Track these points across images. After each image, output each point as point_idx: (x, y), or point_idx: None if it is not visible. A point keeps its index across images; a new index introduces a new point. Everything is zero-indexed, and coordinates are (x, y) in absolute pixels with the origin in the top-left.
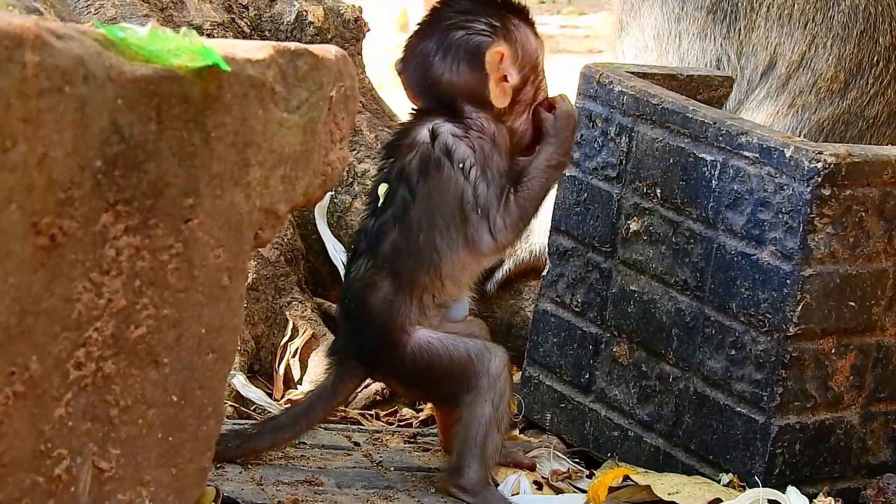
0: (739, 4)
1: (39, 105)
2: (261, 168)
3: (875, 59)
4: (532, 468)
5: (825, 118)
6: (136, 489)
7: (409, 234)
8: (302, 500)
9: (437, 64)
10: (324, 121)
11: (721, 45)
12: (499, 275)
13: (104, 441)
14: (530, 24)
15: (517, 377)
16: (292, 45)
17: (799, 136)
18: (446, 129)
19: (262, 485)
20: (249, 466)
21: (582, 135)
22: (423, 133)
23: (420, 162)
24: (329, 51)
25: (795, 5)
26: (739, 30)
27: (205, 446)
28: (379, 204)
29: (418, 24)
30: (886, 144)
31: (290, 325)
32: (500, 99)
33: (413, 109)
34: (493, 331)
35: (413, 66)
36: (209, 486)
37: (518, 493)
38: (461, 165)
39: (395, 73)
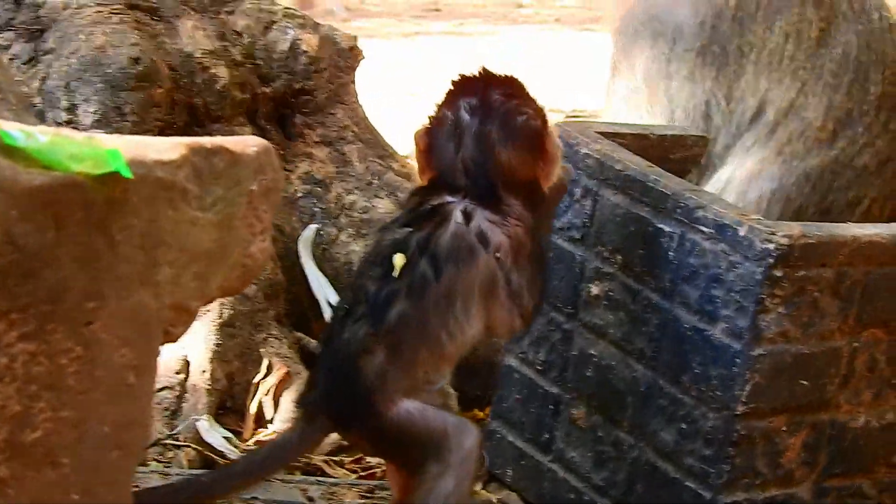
0: (728, 48)
1: None
2: (171, 267)
3: (865, 108)
4: None
5: (813, 167)
6: None
7: (422, 312)
8: None
9: (497, 144)
10: (242, 215)
11: (710, 88)
12: None
13: None
14: None
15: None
16: (209, 141)
17: (786, 185)
18: (481, 213)
19: None
20: None
21: None
22: (456, 214)
23: (451, 243)
24: (249, 145)
25: (785, 52)
26: (729, 74)
27: None
28: (393, 274)
29: (458, 95)
30: (875, 195)
31: (265, 363)
32: (546, 183)
33: (431, 181)
34: (474, 367)
35: (465, 137)
36: None
37: None
38: (497, 255)
39: (414, 142)
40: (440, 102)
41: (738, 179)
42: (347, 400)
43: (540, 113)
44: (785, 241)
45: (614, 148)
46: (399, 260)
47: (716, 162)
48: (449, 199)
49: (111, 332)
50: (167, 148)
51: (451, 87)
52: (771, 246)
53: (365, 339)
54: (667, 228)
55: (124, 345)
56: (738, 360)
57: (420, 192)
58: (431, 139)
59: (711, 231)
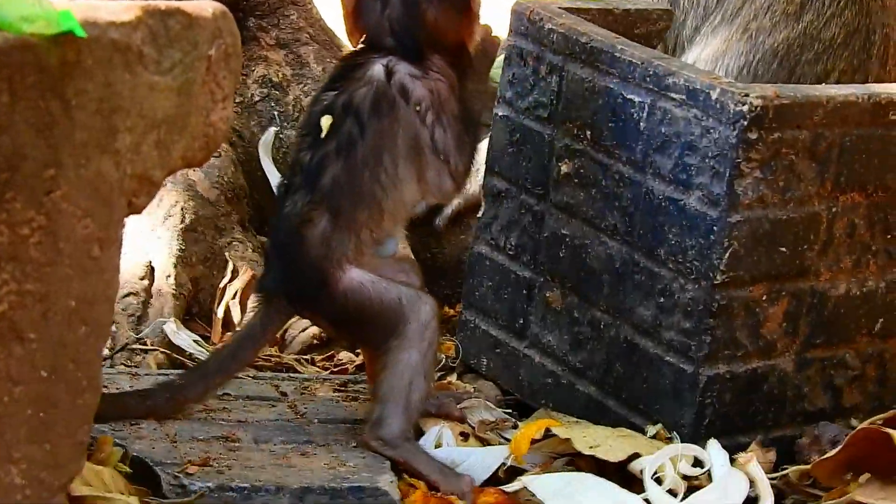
0: None
1: None
2: (130, 134)
3: None
4: (462, 420)
5: (780, 41)
6: (4, 467)
7: (353, 170)
8: (214, 459)
9: (423, 2)
10: (202, 81)
11: None
12: (448, 210)
13: None
14: None
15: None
16: (163, 3)
17: (754, 61)
18: (403, 67)
19: (175, 442)
20: (166, 422)
21: (514, 73)
22: (377, 69)
23: (373, 98)
24: (205, 8)
25: None
26: None
27: (81, 420)
28: (321, 136)
29: None
30: (843, 66)
31: (230, 267)
32: (473, 42)
33: (361, 44)
34: (442, 266)
35: (385, 2)
36: (117, 446)
37: (441, 446)
38: (417, 108)
39: (341, 3)
40: None
41: (704, 59)
42: (298, 274)
43: None
44: (759, 102)
45: (579, 21)
46: (326, 121)
47: (685, 45)
48: (372, 58)
49: (72, 201)
50: (120, 9)
51: None
52: (745, 108)
53: (303, 208)
54: (636, 98)
55: (87, 215)
56: (715, 229)
57: (346, 57)
58: (360, 2)
59: (683, 97)
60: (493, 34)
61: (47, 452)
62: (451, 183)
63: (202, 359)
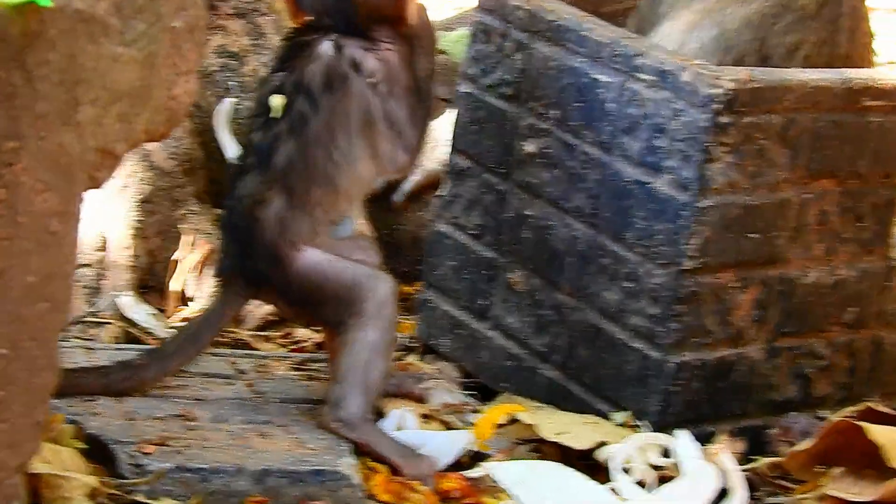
0: None
1: None
2: (93, 106)
3: None
4: (422, 400)
5: (753, 11)
6: None
7: (306, 148)
8: (172, 439)
9: None
10: (166, 54)
11: None
12: (406, 186)
13: None
14: None
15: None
16: None
17: (726, 31)
18: (352, 42)
19: (132, 420)
20: (122, 399)
21: (478, 50)
22: (326, 46)
23: (324, 74)
24: None
25: None
26: None
27: (38, 399)
28: (274, 115)
29: None
30: (814, 39)
31: (185, 239)
32: (414, 15)
33: (304, 24)
34: (399, 243)
35: None
36: (71, 423)
37: (402, 429)
38: (371, 79)
39: None
40: None
41: (678, 30)
42: (253, 255)
43: None
44: (731, 85)
45: None
46: (278, 100)
47: (661, 21)
48: (318, 35)
49: (32, 174)
50: None
51: None
52: (717, 91)
53: (257, 188)
54: (604, 78)
55: (47, 189)
56: (683, 213)
57: (291, 36)
58: None
59: (653, 78)
60: (425, 13)
61: (3, 432)
62: (405, 156)
63: (156, 333)
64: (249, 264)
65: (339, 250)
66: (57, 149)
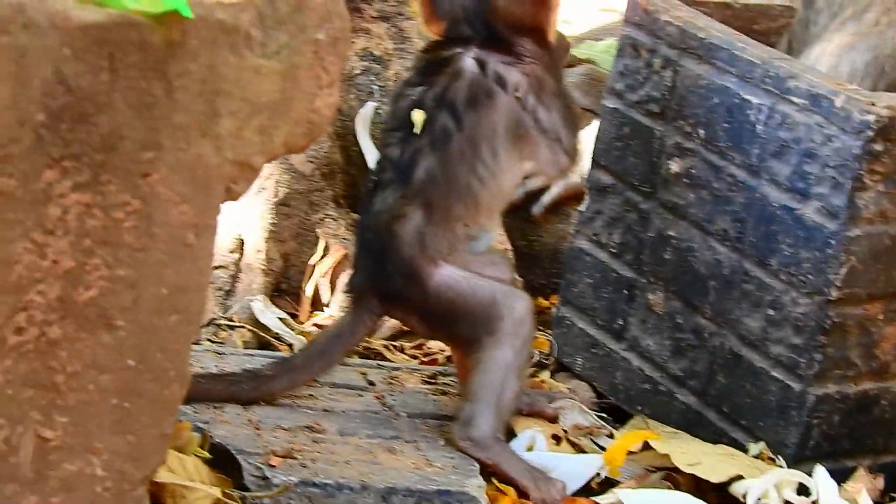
0: None
1: None
2: (233, 118)
3: None
4: (554, 420)
5: None
6: (85, 457)
7: (449, 163)
8: (298, 451)
9: None
10: (308, 66)
11: None
12: (546, 198)
13: (49, 409)
14: None
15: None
16: None
17: (881, 56)
18: (494, 58)
19: (259, 429)
20: (250, 407)
21: (626, 65)
22: (468, 63)
23: (468, 91)
24: None
25: None
26: None
27: (166, 412)
28: (415, 131)
29: None
30: None
31: (322, 244)
32: (551, 32)
33: (443, 36)
34: (537, 256)
35: None
36: (197, 430)
37: (532, 449)
38: (517, 93)
39: None
40: None
41: (830, 53)
42: (389, 271)
43: None
44: (886, 112)
45: (696, 15)
46: (419, 115)
47: (812, 42)
48: (458, 49)
49: (169, 186)
50: None
51: None
52: (871, 118)
53: (396, 203)
54: (755, 100)
55: (183, 201)
56: (832, 242)
57: (429, 49)
58: None
59: (804, 102)
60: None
61: (130, 444)
62: (566, 158)
63: (287, 338)
64: (385, 280)
65: (473, 266)
66: (195, 160)
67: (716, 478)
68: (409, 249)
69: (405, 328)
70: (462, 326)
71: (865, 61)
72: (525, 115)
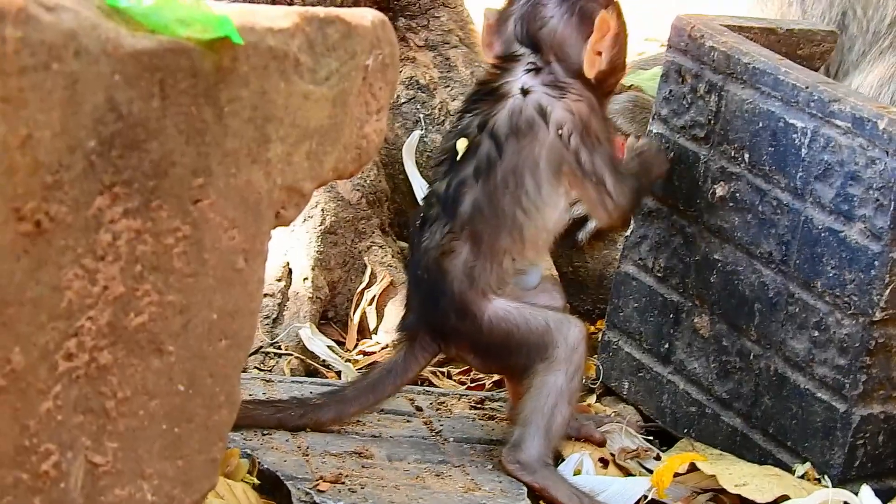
0: None
1: (21, 83)
2: (282, 144)
3: None
4: (602, 444)
5: None
6: (135, 483)
7: (493, 193)
8: (346, 476)
9: (551, 6)
10: (357, 92)
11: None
12: (592, 224)
13: (99, 434)
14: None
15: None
16: (322, 10)
17: None
18: (540, 88)
19: (307, 455)
20: (298, 434)
21: (671, 90)
22: (514, 89)
23: (510, 118)
24: (365, 16)
25: None
26: None
27: (216, 436)
28: (457, 159)
29: None
30: None
31: (368, 271)
32: (589, 68)
33: (497, 60)
34: (583, 281)
35: (521, 2)
36: (246, 456)
37: (580, 473)
38: (559, 131)
39: (484, 16)
40: None
41: (869, 83)
42: (441, 308)
43: (606, 1)
44: None
45: (741, 41)
46: (461, 144)
47: (849, 70)
48: (508, 78)
49: (219, 211)
50: (279, 15)
51: None
52: None
53: (444, 239)
54: (799, 123)
55: (233, 226)
56: (876, 263)
57: (482, 81)
58: (501, 16)
59: (848, 125)
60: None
61: (179, 469)
62: (612, 203)
63: (335, 366)
64: (437, 317)
65: (526, 297)
66: (245, 186)
67: (762, 498)
68: (459, 285)
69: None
70: (516, 357)
71: None
72: (567, 155)
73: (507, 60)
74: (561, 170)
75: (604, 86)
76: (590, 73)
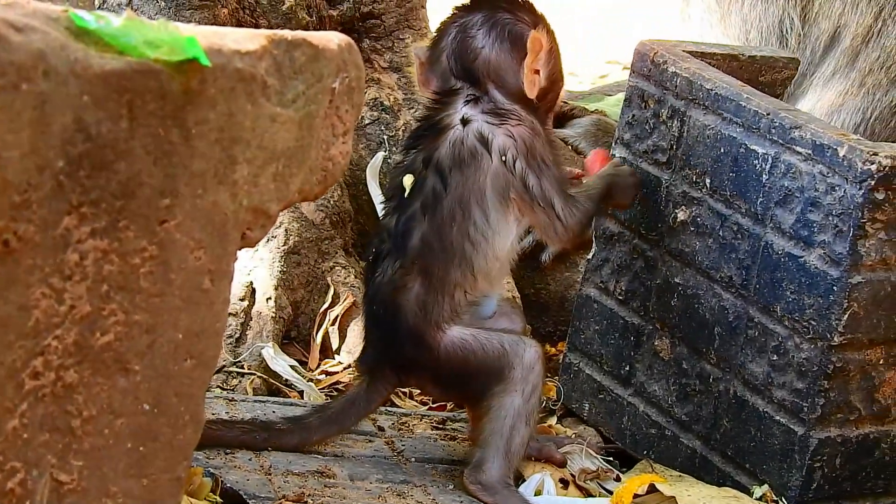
0: None
1: None
2: (249, 166)
3: None
4: (562, 465)
5: None
6: (101, 501)
7: (441, 227)
8: (309, 495)
9: (480, 36)
10: (324, 114)
11: (783, 7)
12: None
13: (65, 452)
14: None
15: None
16: (289, 33)
17: (871, 119)
18: (479, 116)
19: (270, 474)
20: (261, 453)
21: (634, 115)
22: (454, 121)
23: (452, 150)
24: (332, 39)
25: None
26: None
27: (181, 455)
28: (405, 195)
29: (458, 6)
30: None
31: (332, 292)
32: (530, 88)
33: (436, 95)
34: (545, 303)
35: (450, 38)
36: (209, 475)
37: (541, 493)
38: (503, 157)
39: (415, 56)
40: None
41: (819, 112)
42: (398, 341)
43: (534, 20)
44: (888, 162)
45: (704, 67)
46: (407, 181)
47: (792, 90)
48: (448, 111)
49: (186, 232)
50: (246, 38)
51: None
52: (873, 167)
53: (396, 274)
54: (760, 150)
55: (199, 247)
56: (835, 289)
57: (423, 116)
58: (432, 54)
59: (808, 152)
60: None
61: (144, 487)
62: (562, 227)
63: (297, 385)
64: (395, 351)
65: (482, 323)
66: (211, 207)
67: None
68: (413, 318)
69: None
70: (475, 383)
71: (855, 122)
72: (513, 179)
73: (445, 95)
74: (508, 196)
75: (545, 102)
76: (531, 92)
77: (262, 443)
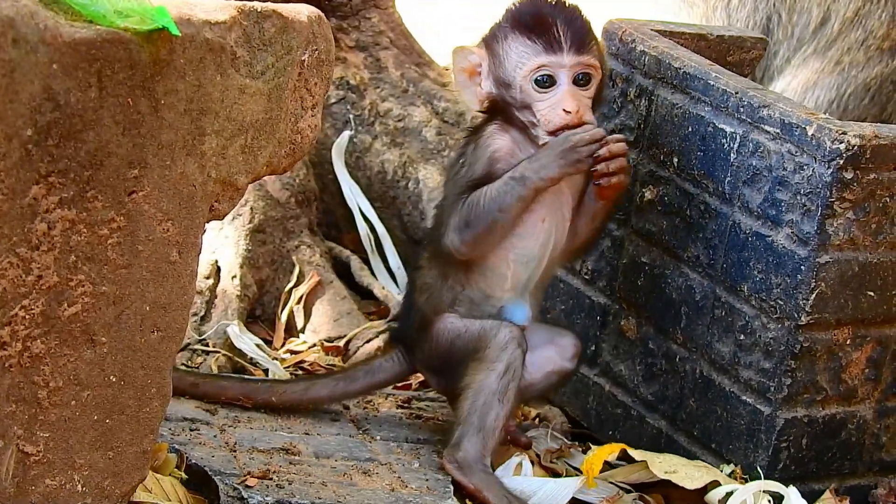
0: None
1: None
2: (217, 137)
3: None
4: (527, 447)
5: (872, 77)
6: (66, 473)
7: (440, 217)
8: (274, 472)
9: None
10: (293, 87)
11: (773, 3)
12: None
13: (31, 424)
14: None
15: None
16: (259, 4)
17: (844, 95)
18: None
19: (235, 451)
20: (226, 429)
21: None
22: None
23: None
24: (301, 12)
25: None
26: None
27: (147, 428)
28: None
29: None
30: None
31: (297, 271)
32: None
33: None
34: None
35: None
36: (174, 451)
37: (517, 475)
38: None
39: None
40: None
41: (794, 89)
42: (409, 319)
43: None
44: (856, 141)
45: (672, 46)
46: None
47: (774, 74)
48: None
49: (154, 203)
50: (216, 8)
51: None
52: (841, 146)
53: (422, 255)
54: (728, 129)
55: (168, 219)
56: (802, 268)
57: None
58: None
59: (777, 131)
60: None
61: (110, 460)
62: (448, 242)
63: (262, 363)
64: (407, 329)
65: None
66: (180, 178)
67: (692, 484)
68: (420, 299)
69: (378, 353)
70: (456, 363)
71: (829, 99)
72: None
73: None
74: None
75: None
76: (474, 105)
77: (265, 392)
